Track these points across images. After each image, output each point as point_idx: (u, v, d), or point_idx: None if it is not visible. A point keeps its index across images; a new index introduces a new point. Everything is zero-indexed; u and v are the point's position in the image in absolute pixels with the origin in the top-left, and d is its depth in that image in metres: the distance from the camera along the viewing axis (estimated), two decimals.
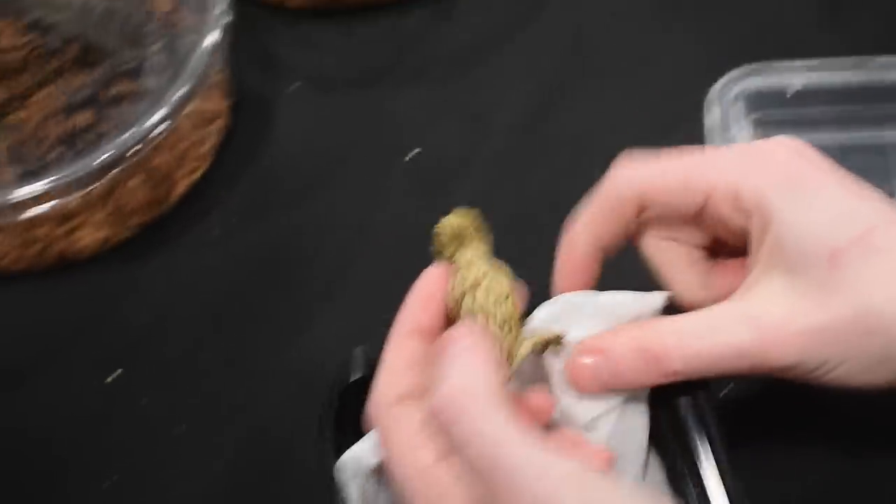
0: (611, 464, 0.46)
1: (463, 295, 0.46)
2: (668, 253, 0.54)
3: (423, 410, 0.44)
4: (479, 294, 0.46)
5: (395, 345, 0.47)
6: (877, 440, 0.55)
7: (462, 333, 0.45)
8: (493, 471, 0.39)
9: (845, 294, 0.45)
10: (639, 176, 0.51)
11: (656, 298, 0.50)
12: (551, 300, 0.49)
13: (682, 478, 0.48)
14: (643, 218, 0.52)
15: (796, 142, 0.52)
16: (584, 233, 0.52)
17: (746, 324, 0.46)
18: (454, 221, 0.49)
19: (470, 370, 0.43)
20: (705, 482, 0.47)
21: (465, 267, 0.48)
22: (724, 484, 0.47)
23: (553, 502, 0.38)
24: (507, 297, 0.46)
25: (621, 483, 0.43)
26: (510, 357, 0.46)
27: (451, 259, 0.48)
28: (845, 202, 0.47)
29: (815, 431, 0.56)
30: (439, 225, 0.48)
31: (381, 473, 0.47)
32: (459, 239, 0.49)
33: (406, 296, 0.48)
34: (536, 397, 0.46)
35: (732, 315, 0.47)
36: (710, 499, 0.47)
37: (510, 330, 0.46)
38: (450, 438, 0.42)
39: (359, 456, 0.47)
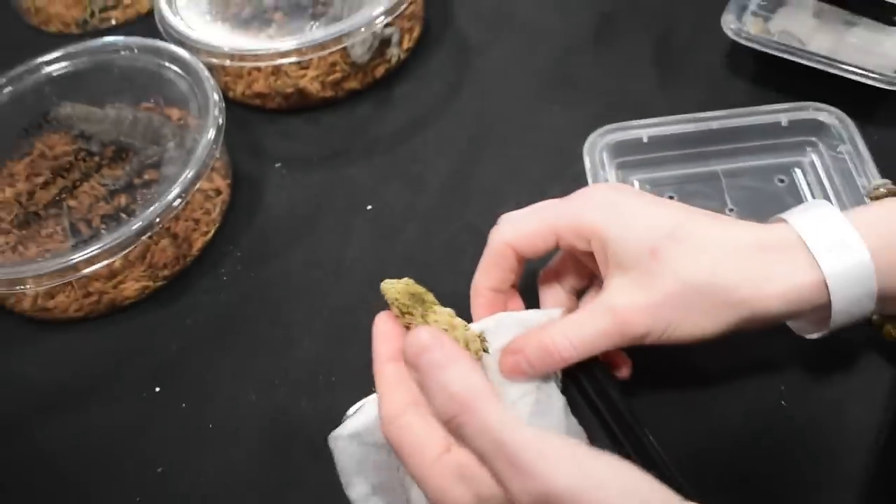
0: None
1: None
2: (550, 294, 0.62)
3: (421, 415, 0.48)
4: (459, 333, 0.52)
5: (379, 373, 0.52)
6: (721, 375, 0.64)
7: (431, 343, 0.49)
8: (503, 449, 0.44)
9: (667, 275, 0.52)
10: (506, 234, 0.58)
11: (555, 312, 0.58)
12: (486, 318, 0.57)
13: (598, 431, 0.55)
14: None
15: (610, 183, 0.60)
16: (480, 282, 0.60)
17: (605, 312, 0.54)
18: (401, 288, 0.53)
19: (463, 375, 0.47)
20: (618, 435, 0.54)
21: (444, 326, 0.52)
22: (629, 436, 0.54)
23: (551, 469, 0.43)
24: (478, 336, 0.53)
25: (600, 452, 0.45)
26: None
27: (423, 318, 0.52)
28: (654, 211, 0.55)
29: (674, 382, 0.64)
30: (391, 291, 0.53)
31: (360, 437, 0.54)
32: (419, 301, 0.53)
33: (372, 328, 0.54)
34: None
35: (596, 309, 0.54)
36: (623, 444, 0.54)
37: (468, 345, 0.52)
38: (465, 432, 0.46)
39: (344, 427, 0.55)
